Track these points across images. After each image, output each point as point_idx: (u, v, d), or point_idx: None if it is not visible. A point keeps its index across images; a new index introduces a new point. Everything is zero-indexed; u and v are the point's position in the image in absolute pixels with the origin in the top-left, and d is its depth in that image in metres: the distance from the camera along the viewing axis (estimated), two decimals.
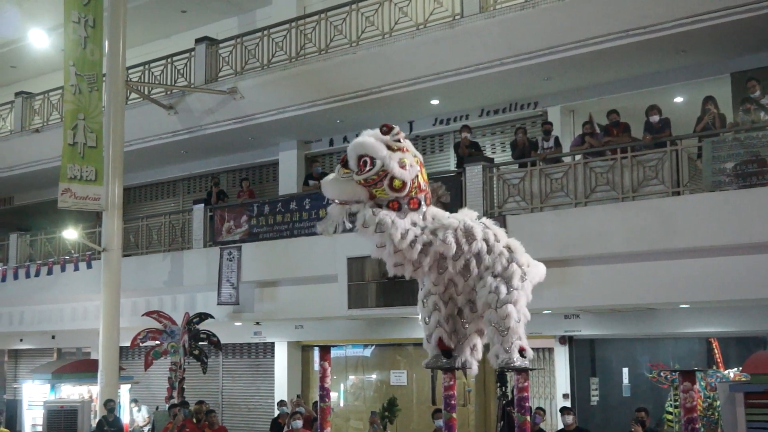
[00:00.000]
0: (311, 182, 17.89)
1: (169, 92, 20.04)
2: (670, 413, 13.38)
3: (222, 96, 18.92)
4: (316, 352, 18.04)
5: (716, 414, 12.97)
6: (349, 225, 7.23)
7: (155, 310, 18.50)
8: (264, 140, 20.35)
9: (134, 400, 19.21)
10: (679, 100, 16.34)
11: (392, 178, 6.83)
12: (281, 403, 16.88)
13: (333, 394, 17.97)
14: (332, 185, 7.04)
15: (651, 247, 12.84)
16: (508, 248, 7.46)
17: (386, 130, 7.06)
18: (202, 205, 19.21)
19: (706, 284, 12.54)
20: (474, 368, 7.68)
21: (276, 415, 16.88)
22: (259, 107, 18.68)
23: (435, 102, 17.56)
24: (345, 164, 7.02)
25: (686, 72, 15.38)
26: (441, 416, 7.86)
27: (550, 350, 16.66)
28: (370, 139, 6.98)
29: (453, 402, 7.54)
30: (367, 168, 6.82)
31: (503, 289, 7.19)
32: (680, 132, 14.27)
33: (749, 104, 13.00)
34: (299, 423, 13.66)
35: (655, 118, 14.01)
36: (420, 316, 7.72)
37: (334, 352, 18.63)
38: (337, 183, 7.00)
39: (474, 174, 14.96)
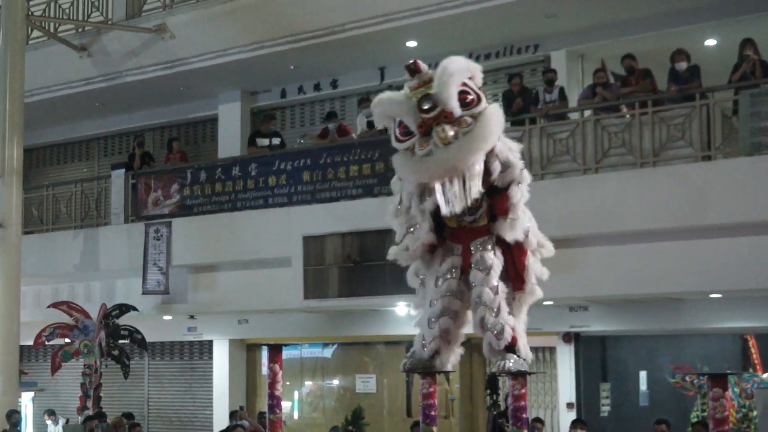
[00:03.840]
0: (259, 141, 17.83)
1: (80, 29, 19.84)
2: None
3: (147, 35, 18.76)
4: (265, 353, 18.01)
5: (752, 427, 13.14)
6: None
7: (64, 300, 18.42)
8: (199, 90, 20.25)
9: (50, 412, 19.12)
10: (711, 43, 16.39)
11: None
12: (236, 414, 16.85)
13: (285, 404, 18.01)
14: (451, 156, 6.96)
15: (676, 223, 12.92)
16: None
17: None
18: (123, 170, 19.11)
19: (742, 269, 12.64)
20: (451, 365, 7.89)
21: (225, 427, 16.91)
22: (193, 49, 18.56)
23: (412, 44, 17.50)
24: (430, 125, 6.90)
25: (720, 8, 15.41)
26: (419, 431, 7.90)
27: (552, 350, 16.78)
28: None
29: (433, 413, 7.58)
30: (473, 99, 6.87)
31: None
32: (712, 83, 14.32)
33: None
34: None
35: (681, 66, 14.05)
36: (417, 314, 7.81)
37: (286, 353, 18.57)
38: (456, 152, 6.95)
39: None
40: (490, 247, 7.59)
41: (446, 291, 7.54)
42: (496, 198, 7.40)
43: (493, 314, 7.33)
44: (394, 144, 6.98)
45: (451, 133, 6.83)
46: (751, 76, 13.42)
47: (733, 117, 13.59)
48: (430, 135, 6.77)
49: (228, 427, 16.49)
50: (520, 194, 7.61)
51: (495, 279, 7.55)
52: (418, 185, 7.20)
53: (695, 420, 13.66)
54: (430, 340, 7.73)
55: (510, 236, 7.69)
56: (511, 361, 7.41)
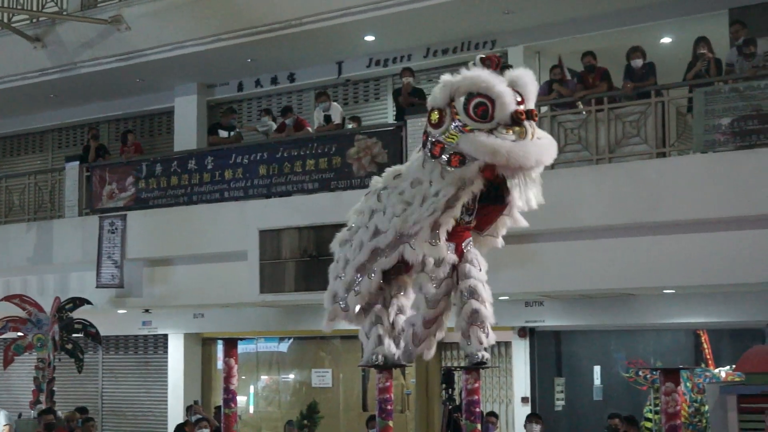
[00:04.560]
0: (222, 133, 17.75)
1: (35, 20, 19.66)
2: (650, 420, 13.68)
3: (102, 26, 18.61)
4: (220, 347, 17.96)
5: (704, 421, 13.28)
6: None
7: (17, 293, 18.26)
8: (156, 83, 20.15)
9: None
10: (667, 40, 16.54)
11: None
12: (191, 409, 16.79)
13: (240, 399, 18.00)
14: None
15: (630, 219, 13.02)
16: None
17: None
18: (77, 163, 18.94)
19: (695, 265, 12.76)
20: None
21: (183, 421, 16.85)
22: (149, 41, 18.45)
23: (370, 38, 17.50)
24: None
25: (675, 6, 15.55)
26: (375, 425, 7.90)
27: (507, 344, 16.87)
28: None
29: (389, 407, 7.58)
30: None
31: None
32: (667, 80, 14.45)
33: (753, 46, 13.21)
34: None
35: (637, 63, 14.16)
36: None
37: (242, 347, 18.48)
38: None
39: (417, 128, 14.96)
40: (473, 247, 7.58)
41: (446, 291, 7.47)
42: (491, 208, 7.32)
43: (486, 308, 7.32)
44: (467, 121, 6.74)
45: (540, 132, 6.86)
46: (705, 74, 13.56)
47: (688, 114, 13.72)
48: (519, 126, 6.70)
49: (186, 421, 16.45)
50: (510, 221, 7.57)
51: (485, 276, 7.52)
52: (462, 185, 6.92)
53: (648, 414, 13.80)
54: (424, 338, 7.66)
55: (484, 248, 7.66)
56: (487, 353, 7.39)
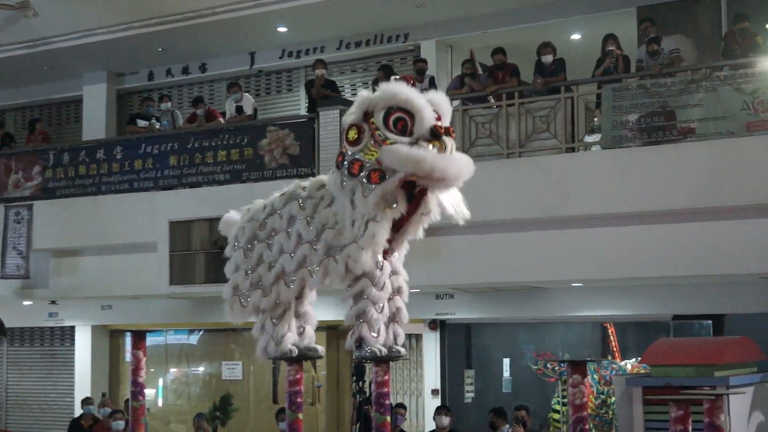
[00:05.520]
0: (140, 123, 17.51)
1: None
2: (557, 412, 13.86)
3: (8, 12, 18.22)
4: (128, 339, 17.78)
5: (610, 412, 13.49)
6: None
7: None
8: (64, 70, 19.86)
9: None
10: (576, 37, 16.76)
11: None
12: (87, 401, 16.62)
13: (149, 391, 17.82)
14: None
15: (539, 213, 13.16)
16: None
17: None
18: None
19: (603, 259, 12.96)
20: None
21: (78, 415, 16.62)
22: (57, 28, 18.19)
23: (282, 29, 17.45)
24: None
25: (585, 3, 15.79)
26: (284, 417, 7.89)
27: (418, 337, 16.95)
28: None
29: (299, 400, 7.58)
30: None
31: None
32: (577, 76, 14.64)
33: (656, 45, 13.46)
34: (121, 424, 13.61)
35: (548, 59, 14.30)
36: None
37: (150, 339, 18.42)
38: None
39: (329, 120, 14.96)
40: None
41: (390, 293, 7.43)
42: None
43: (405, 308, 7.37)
44: (387, 134, 6.68)
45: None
46: (613, 70, 13.78)
47: (596, 110, 13.93)
48: (438, 140, 6.69)
49: (82, 415, 16.29)
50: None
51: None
52: (385, 197, 6.83)
53: (556, 405, 13.98)
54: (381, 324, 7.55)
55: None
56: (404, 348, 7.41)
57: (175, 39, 17.78)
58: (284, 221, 7.44)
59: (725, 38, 13.71)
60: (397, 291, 7.31)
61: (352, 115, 6.86)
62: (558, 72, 14.25)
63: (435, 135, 6.66)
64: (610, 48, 13.94)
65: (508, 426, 13.49)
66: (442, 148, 6.69)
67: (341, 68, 18.15)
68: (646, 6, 15.35)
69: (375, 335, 7.12)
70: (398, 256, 7.41)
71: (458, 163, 6.79)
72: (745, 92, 12.38)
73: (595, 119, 14.16)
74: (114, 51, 18.61)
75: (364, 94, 6.85)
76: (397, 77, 7.08)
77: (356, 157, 6.81)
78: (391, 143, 6.64)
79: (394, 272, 7.30)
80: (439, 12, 16.29)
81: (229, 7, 16.65)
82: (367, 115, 6.79)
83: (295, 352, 7.55)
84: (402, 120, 6.70)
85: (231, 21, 16.88)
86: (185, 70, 19.49)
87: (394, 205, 6.83)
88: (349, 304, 7.16)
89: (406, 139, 6.65)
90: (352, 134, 6.82)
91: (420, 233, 7.47)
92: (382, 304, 7.15)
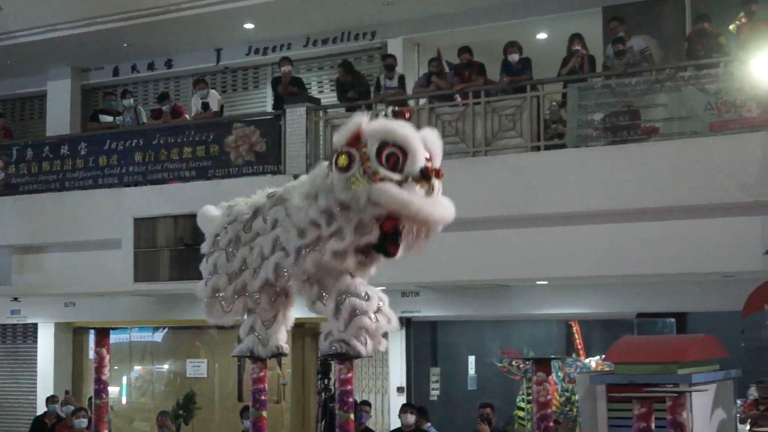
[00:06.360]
0: (102, 117, 17.40)
1: None
2: (522, 409, 13.93)
3: None
4: (92, 336, 17.68)
5: (574, 410, 13.58)
6: None
7: None
8: (28, 65, 19.73)
9: None
10: (542, 36, 16.83)
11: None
12: (52, 399, 16.51)
13: (113, 389, 17.72)
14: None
15: (505, 212, 13.21)
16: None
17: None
18: None
19: (567, 258, 13.02)
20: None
21: (41, 413, 16.49)
22: (22, 22, 18.08)
23: (249, 26, 17.41)
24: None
25: (551, 3, 15.86)
26: (248, 415, 7.87)
27: (384, 334, 16.93)
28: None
29: (263, 398, 7.57)
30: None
31: None
32: (543, 75, 14.70)
33: (621, 45, 13.54)
34: (84, 422, 13.52)
35: (514, 57, 14.34)
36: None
37: (114, 337, 18.24)
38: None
39: (296, 117, 14.95)
40: None
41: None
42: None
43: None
44: (377, 168, 6.61)
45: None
46: (579, 70, 13.84)
47: (562, 109, 13.99)
48: (427, 182, 6.67)
49: (46, 413, 16.18)
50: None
51: None
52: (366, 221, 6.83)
53: (521, 403, 14.05)
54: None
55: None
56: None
57: (141, 35, 17.69)
58: (268, 224, 7.34)
59: (689, 39, 13.81)
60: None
61: (344, 137, 6.76)
62: (524, 71, 14.29)
63: (425, 176, 6.65)
64: (576, 47, 14.01)
65: (429, 424, 13.62)
66: (429, 191, 6.69)
67: (308, 65, 18.13)
68: (611, 6, 15.45)
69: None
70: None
71: (443, 208, 6.80)
72: (709, 92, 12.50)
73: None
74: (79, 46, 18.50)
75: (358, 120, 6.78)
76: (396, 109, 7.01)
77: (341, 182, 6.72)
78: (380, 178, 6.59)
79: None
80: (406, 10, 16.31)
81: (196, 3, 16.61)
82: (360, 143, 6.71)
83: (286, 349, 7.55)
84: (394, 156, 6.66)
85: (197, 17, 16.82)
86: (151, 66, 19.41)
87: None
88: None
89: (396, 176, 6.62)
90: (343, 161, 6.72)
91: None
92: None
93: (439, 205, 6.78)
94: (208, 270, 7.73)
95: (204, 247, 7.82)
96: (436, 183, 6.73)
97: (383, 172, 6.58)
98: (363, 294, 7.13)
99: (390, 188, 6.54)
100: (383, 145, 6.62)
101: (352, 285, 7.10)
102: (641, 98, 12.87)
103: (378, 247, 7.02)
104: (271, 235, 7.26)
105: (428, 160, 6.72)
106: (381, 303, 7.32)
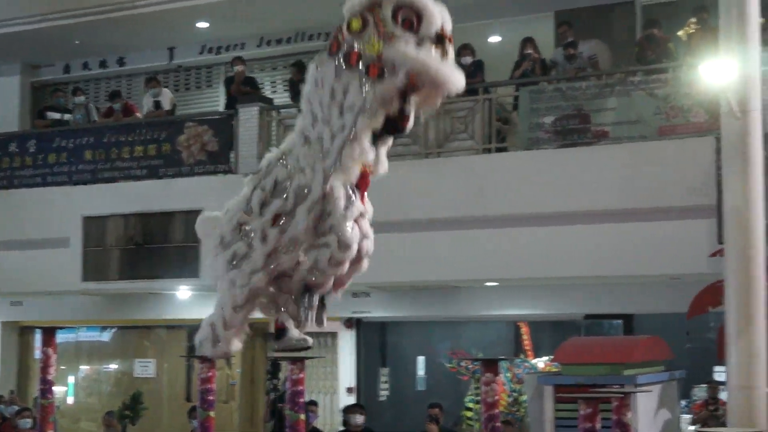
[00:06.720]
0: (49, 115, 17.23)
1: None
2: (470, 409, 13.98)
3: None
4: (38, 336, 17.51)
5: (522, 410, 13.66)
6: None
7: None
8: None
9: None
10: (495, 39, 16.91)
11: None
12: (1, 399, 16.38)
13: (60, 389, 17.54)
14: None
15: (456, 213, 13.26)
16: None
17: None
18: None
19: (516, 259, 13.09)
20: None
21: None
22: None
23: (203, 25, 17.35)
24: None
25: (503, 6, 15.93)
26: (196, 416, 7.85)
27: (334, 335, 16.95)
28: None
29: (211, 398, 7.56)
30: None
31: None
32: (495, 78, 14.79)
33: (572, 49, 13.65)
34: (28, 422, 13.38)
35: (466, 60, 14.38)
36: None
37: (61, 336, 18.08)
38: None
39: (248, 117, 14.91)
40: None
41: (360, 237, 6.89)
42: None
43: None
44: (394, 30, 6.40)
45: None
46: (531, 73, 13.94)
47: (513, 112, 14.08)
48: (442, 45, 6.54)
49: (16, 411, 16.01)
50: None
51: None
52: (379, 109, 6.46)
53: (469, 403, 14.10)
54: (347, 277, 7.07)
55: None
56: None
57: (93, 32, 17.54)
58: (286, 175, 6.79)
59: (639, 44, 13.96)
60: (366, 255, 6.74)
61: (357, 3, 6.62)
62: (476, 74, 14.35)
63: (440, 39, 6.59)
64: (528, 51, 14.12)
65: None
66: (444, 54, 6.63)
67: (262, 65, 18.09)
68: (563, 10, 15.57)
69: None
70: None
71: (458, 72, 6.69)
72: (658, 97, 12.64)
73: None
74: (29, 43, 18.30)
75: None
76: None
77: (354, 48, 6.59)
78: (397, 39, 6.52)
79: (364, 236, 6.44)
80: None
81: (149, 1, 16.51)
82: (372, 7, 6.61)
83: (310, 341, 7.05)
84: (408, 20, 6.59)
85: (150, 15, 16.72)
86: (103, 64, 19.27)
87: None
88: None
89: (414, 37, 6.55)
90: (356, 24, 6.56)
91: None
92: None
93: (455, 70, 6.67)
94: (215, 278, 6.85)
95: (208, 257, 7.08)
96: (450, 48, 6.67)
97: (399, 33, 6.49)
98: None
99: (407, 47, 6.45)
100: (398, 8, 6.57)
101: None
102: (591, 102, 13.00)
103: (390, 126, 6.75)
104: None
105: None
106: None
